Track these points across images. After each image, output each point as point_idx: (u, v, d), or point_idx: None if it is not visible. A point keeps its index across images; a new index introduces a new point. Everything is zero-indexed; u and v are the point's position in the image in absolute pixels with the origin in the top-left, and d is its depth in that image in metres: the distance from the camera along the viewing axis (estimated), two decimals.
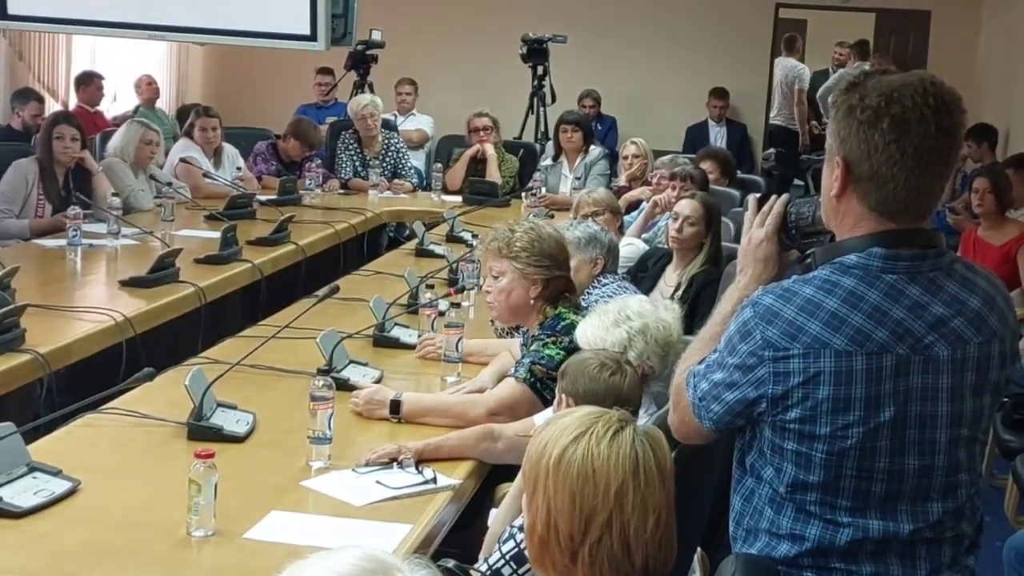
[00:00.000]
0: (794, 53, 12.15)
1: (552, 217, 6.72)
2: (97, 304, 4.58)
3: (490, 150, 8.15)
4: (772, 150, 10.53)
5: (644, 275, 5.28)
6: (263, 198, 7.12)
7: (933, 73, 2.15)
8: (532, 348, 3.59)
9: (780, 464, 2.14)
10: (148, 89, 10.15)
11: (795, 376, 2.07)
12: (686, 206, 5.20)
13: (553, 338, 3.55)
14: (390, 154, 8.29)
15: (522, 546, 2.55)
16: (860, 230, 2.12)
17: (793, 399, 2.08)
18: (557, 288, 3.68)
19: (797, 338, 2.07)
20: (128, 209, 6.45)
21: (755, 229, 2.33)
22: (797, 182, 11.15)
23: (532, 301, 3.65)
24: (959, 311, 2.12)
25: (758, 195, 2.46)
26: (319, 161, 8.13)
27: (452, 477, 3.09)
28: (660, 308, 3.40)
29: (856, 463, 2.09)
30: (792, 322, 2.07)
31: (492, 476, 3.32)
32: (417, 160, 9.28)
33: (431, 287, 4.53)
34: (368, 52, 9.13)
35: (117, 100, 10.51)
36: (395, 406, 3.47)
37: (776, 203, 2.33)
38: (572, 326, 3.50)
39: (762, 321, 2.10)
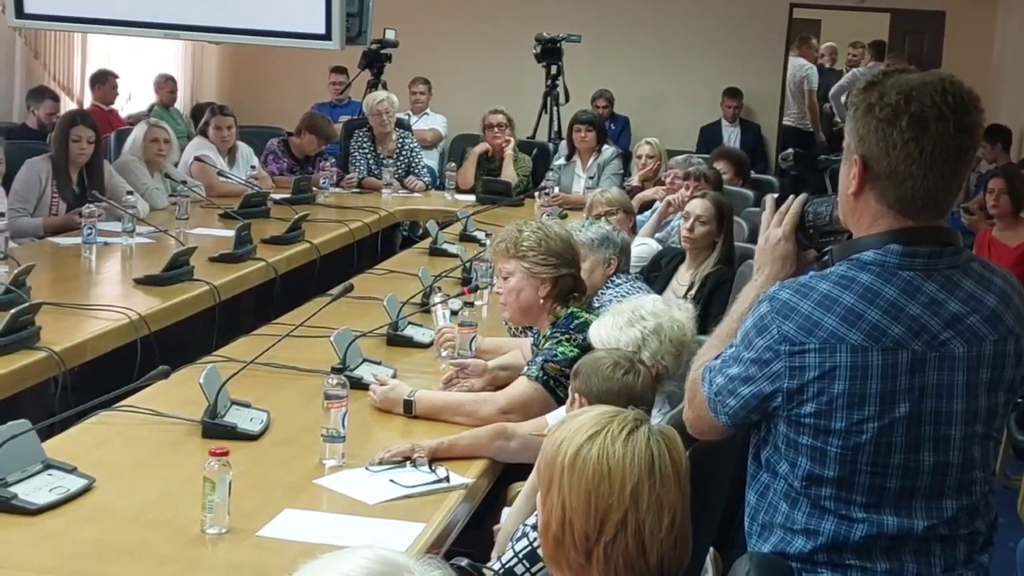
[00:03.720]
0: (808, 53, 12.10)
1: (565, 217, 6.71)
2: (112, 302, 4.59)
3: (508, 150, 8.15)
4: (791, 150, 10.49)
5: (657, 275, 5.27)
6: (277, 197, 7.12)
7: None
8: (545, 346, 3.58)
9: (795, 459, 2.14)
10: (166, 88, 10.18)
11: (811, 371, 2.07)
12: (697, 205, 5.19)
13: (567, 335, 3.54)
14: (404, 153, 8.29)
15: (535, 545, 2.54)
16: (878, 228, 2.12)
17: (808, 394, 2.08)
18: (566, 287, 3.66)
19: (813, 333, 2.07)
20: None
21: (772, 228, 2.33)
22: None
23: (542, 300, 3.64)
24: (975, 309, 2.11)
25: (775, 195, 2.46)
26: (333, 160, 8.14)
27: (465, 476, 3.09)
28: (674, 308, 3.40)
29: (871, 458, 2.09)
30: (809, 317, 2.08)
31: (505, 475, 3.31)
32: (431, 159, 9.29)
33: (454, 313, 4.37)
34: (382, 51, 9.13)
35: (132, 99, 10.53)
36: (408, 406, 3.48)
37: (794, 202, 2.34)
38: (586, 324, 3.49)
39: (779, 316, 2.10)
